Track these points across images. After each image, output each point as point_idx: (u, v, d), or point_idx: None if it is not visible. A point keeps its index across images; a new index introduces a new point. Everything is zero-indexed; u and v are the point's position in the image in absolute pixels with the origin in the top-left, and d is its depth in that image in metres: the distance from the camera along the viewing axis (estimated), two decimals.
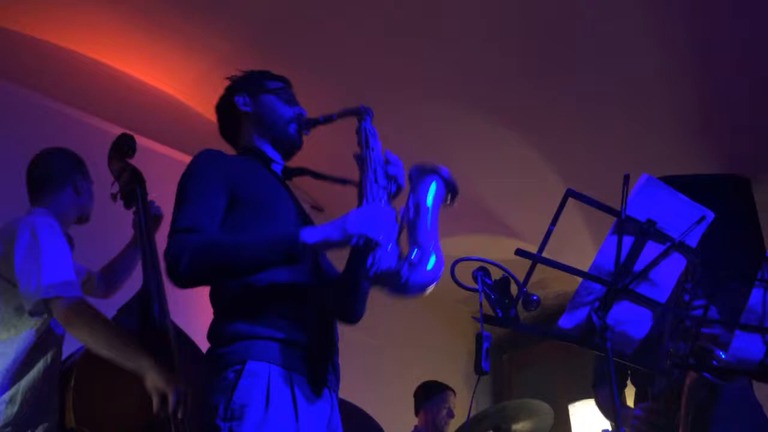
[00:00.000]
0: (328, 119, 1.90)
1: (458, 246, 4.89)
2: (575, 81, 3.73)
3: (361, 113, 1.87)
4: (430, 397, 3.98)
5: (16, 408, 2.10)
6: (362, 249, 1.60)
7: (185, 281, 1.59)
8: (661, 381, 2.13)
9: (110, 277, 2.64)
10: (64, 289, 2.11)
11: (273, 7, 3.72)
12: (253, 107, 1.95)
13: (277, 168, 1.95)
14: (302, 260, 1.63)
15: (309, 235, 1.58)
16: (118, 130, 2.79)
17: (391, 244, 1.62)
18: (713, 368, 1.86)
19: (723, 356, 1.84)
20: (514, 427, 3.33)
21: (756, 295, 1.88)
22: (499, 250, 4.42)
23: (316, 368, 1.69)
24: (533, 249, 1.64)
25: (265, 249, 1.59)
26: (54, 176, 2.40)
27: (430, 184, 1.78)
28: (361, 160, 1.79)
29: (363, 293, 1.89)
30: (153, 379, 2.01)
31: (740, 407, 2.20)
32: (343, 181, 1.92)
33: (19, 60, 3.78)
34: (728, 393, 2.15)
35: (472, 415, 3.27)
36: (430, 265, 1.63)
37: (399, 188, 1.79)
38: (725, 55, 3.43)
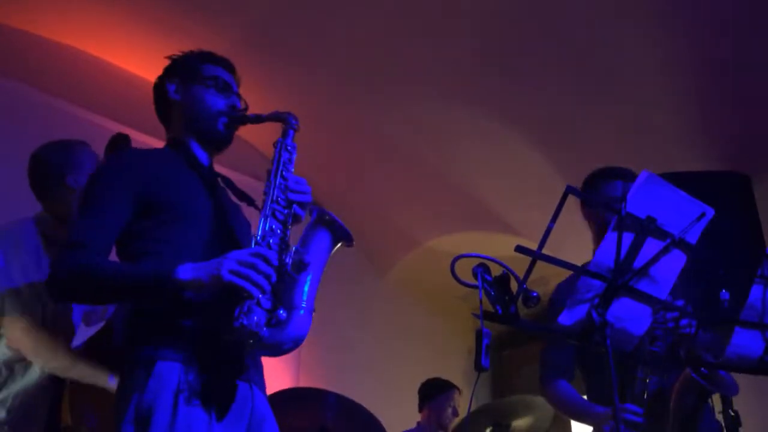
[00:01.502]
0: (257, 119, 1.82)
1: (458, 243, 4.89)
2: (576, 79, 3.73)
3: (287, 124, 1.80)
4: (435, 394, 3.99)
5: (3, 413, 2.11)
6: (232, 296, 1.53)
7: (59, 296, 1.64)
8: (641, 382, 2.12)
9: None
10: (12, 310, 2.11)
11: (272, 4, 3.72)
12: (183, 96, 1.87)
13: (206, 162, 1.87)
14: (214, 248, 1.63)
15: (184, 273, 1.53)
16: (116, 126, 2.79)
17: (262, 297, 1.55)
18: (708, 367, 1.86)
19: (712, 360, 1.85)
20: (514, 423, 3.33)
21: (756, 292, 1.88)
22: (499, 247, 4.40)
23: (231, 365, 1.63)
24: (533, 246, 1.63)
25: (137, 282, 1.56)
26: (43, 177, 2.37)
27: (322, 238, 1.72)
28: (267, 185, 1.71)
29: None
30: (112, 390, 2.03)
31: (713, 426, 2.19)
32: (249, 202, 1.87)
33: (17, 57, 3.77)
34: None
35: (472, 411, 3.27)
36: (294, 327, 1.59)
37: (298, 217, 1.73)
38: (726, 52, 3.42)
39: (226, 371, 1.60)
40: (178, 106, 1.88)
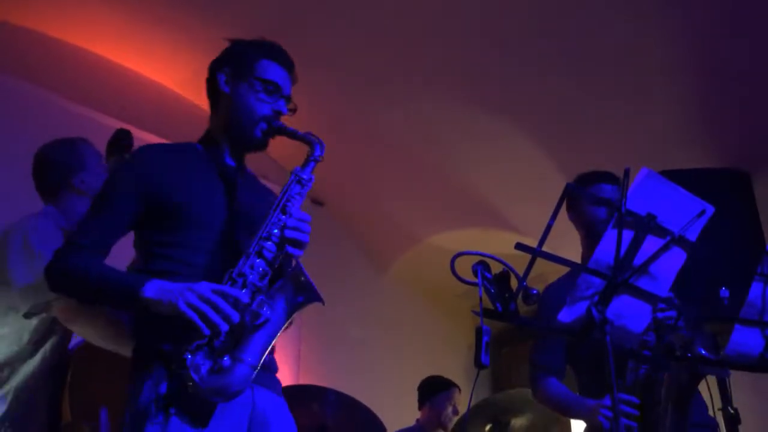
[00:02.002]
0: (292, 134, 1.78)
1: (458, 240, 4.89)
2: (576, 76, 3.72)
3: (310, 150, 1.75)
4: (436, 392, 3.98)
5: (5, 407, 2.11)
6: (183, 328, 1.50)
7: (51, 289, 1.67)
8: (632, 373, 2.13)
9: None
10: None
11: (273, 3, 3.71)
12: (232, 90, 1.81)
13: (233, 163, 1.82)
14: (220, 261, 1.62)
15: (151, 290, 1.54)
16: (116, 123, 2.79)
17: (216, 340, 1.51)
18: (704, 360, 1.86)
19: (705, 354, 1.85)
20: (513, 419, 3.33)
21: (756, 289, 1.88)
22: (499, 244, 4.42)
23: None
24: (533, 243, 1.64)
25: (111, 291, 1.58)
26: (49, 179, 2.37)
27: (290, 296, 1.60)
28: (264, 220, 1.65)
29: None
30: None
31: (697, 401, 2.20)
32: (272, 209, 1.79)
33: (16, 53, 3.77)
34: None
35: (471, 407, 3.27)
36: (232, 378, 1.50)
37: (289, 257, 1.64)
38: (727, 49, 3.42)
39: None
40: (225, 98, 1.83)
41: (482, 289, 1.62)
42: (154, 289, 1.54)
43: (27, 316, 2.15)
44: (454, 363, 5.37)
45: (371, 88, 3.90)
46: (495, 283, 1.63)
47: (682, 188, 1.75)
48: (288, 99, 1.84)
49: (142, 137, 3.62)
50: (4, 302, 2.17)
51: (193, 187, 1.72)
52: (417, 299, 5.48)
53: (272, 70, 1.82)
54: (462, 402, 4.00)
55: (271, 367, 1.73)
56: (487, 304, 1.61)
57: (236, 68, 1.83)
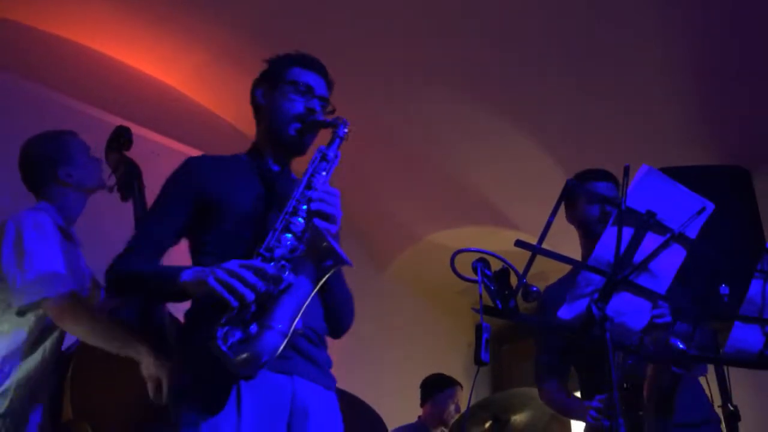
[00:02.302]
0: (322, 123, 1.84)
1: (458, 237, 4.89)
2: (575, 72, 3.72)
3: (334, 130, 1.80)
4: (438, 390, 3.99)
5: (7, 402, 2.10)
6: (213, 308, 1.55)
7: (113, 294, 1.85)
8: (618, 370, 2.13)
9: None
10: (48, 289, 2.09)
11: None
12: (267, 101, 1.90)
13: (276, 168, 1.88)
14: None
15: (186, 274, 1.62)
16: (116, 120, 2.79)
17: (244, 310, 1.55)
18: (680, 358, 1.87)
19: (684, 348, 1.85)
20: (513, 417, 3.34)
21: (755, 286, 1.88)
22: (499, 242, 4.42)
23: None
24: (533, 240, 1.64)
25: (159, 284, 1.69)
26: (35, 174, 2.36)
27: (315, 261, 1.61)
28: (292, 195, 1.71)
29: (333, 310, 1.85)
30: (147, 366, 2.03)
31: (689, 396, 2.20)
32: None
33: (17, 50, 3.77)
34: (687, 381, 2.16)
35: (471, 405, 3.28)
36: (261, 345, 1.52)
37: (316, 229, 1.64)
38: (726, 45, 3.42)
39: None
40: (262, 110, 1.92)
41: (482, 286, 1.62)
42: (189, 273, 1.62)
43: (19, 314, 2.15)
44: (454, 360, 5.37)
45: (371, 86, 3.90)
46: (495, 281, 1.63)
47: (682, 185, 1.75)
48: (322, 99, 1.90)
49: (143, 134, 3.63)
50: (4, 299, 2.17)
51: (236, 188, 1.80)
52: (417, 297, 5.49)
53: (302, 74, 1.90)
54: (462, 398, 4.00)
55: (320, 361, 1.76)
56: (487, 301, 1.61)
57: (270, 81, 1.92)
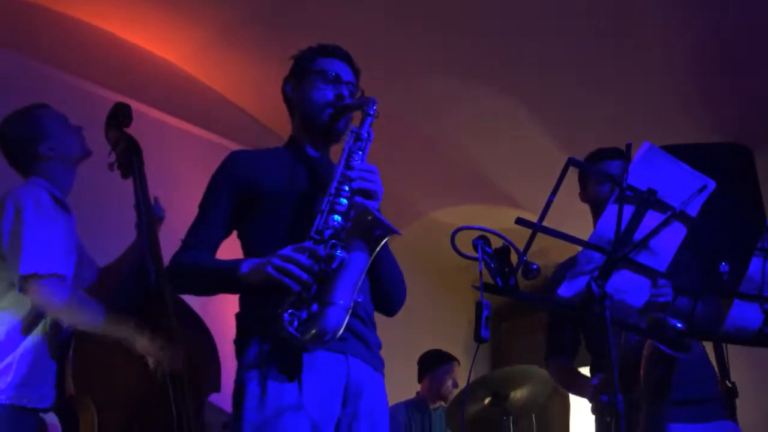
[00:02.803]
0: (353, 105, 1.89)
1: (459, 215, 4.90)
2: (576, 48, 3.69)
3: (363, 109, 1.84)
4: (435, 366, 4.02)
5: (10, 376, 2.12)
6: (280, 289, 1.62)
7: (175, 290, 1.99)
8: (616, 352, 2.14)
9: (112, 285, 2.59)
10: (40, 266, 2.09)
11: None
12: (297, 93, 1.95)
13: (315, 155, 1.94)
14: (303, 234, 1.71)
15: (245, 266, 1.70)
16: (116, 97, 2.77)
17: (305, 292, 1.62)
18: (668, 338, 1.87)
19: (682, 327, 1.85)
20: (513, 393, 3.36)
21: (755, 264, 1.89)
22: (500, 219, 4.42)
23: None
24: (534, 218, 1.64)
25: (216, 278, 1.77)
26: (17, 153, 2.33)
27: (364, 235, 1.68)
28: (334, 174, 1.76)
29: (386, 285, 1.91)
30: (141, 345, 2.08)
31: (690, 374, 2.22)
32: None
33: (18, 27, 3.74)
34: (685, 363, 2.16)
35: (471, 381, 3.30)
36: (326, 322, 1.60)
37: (360, 206, 1.71)
38: (727, 24, 3.39)
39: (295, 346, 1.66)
40: (294, 103, 1.97)
41: (482, 263, 1.63)
42: (248, 265, 1.69)
43: (21, 291, 2.15)
44: (454, 337, 5.40)
45: (373, 63, 3.86)
46: (495, 258, 1.64)
47: (683, 163, 1.74)
48: (350, 84, 1.95)
49: (143, 111, 3.61)
50: (6, 277, 2.18)
51: (279, 176, 1.86)
52: (417, 273, 5.49)
53: (327, 63, 1.94)
54: (462, 375, 4.03)
55: (370, 342, 1.83)
56: (488, 278, 1.61)
57: (297, 74, 1.97)
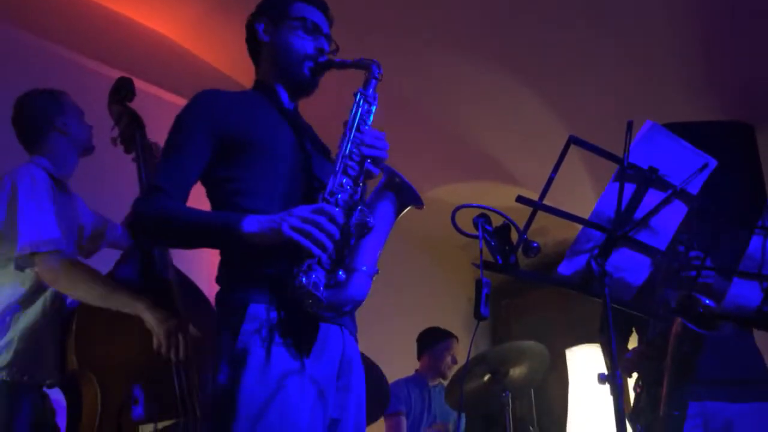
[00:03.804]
0: (341, 64, 1.80)
1: (459, 193, 4.89)
2: (577, 27, 3.66)
3: (369, 72, 1.77)
4: (434, 343, 4.04)
5: (11, 354, 2.13)
6: (293, 252, 1.52)
7: (141, 238, 1.71)
8: (654, 327, 2.16)
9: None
10: (41, 245, 2.11)
11: None
12: (272, 37, 1.83)
13: (290, 106, 1.85)
14: (300, 189, 1.66)
15: (249, 224, 1.54)
16: (116, 73, 2.74)
17: (324, 257, 1.54)
18: (698, 315, 1.87)
19: (712, 305, 1.86)
20: (512, 370, 3.38)
21: (755, 243, 1.89)
22: (500, 197, 4.41)
23: None
24: (534, 196, 1.63)
25: (208, 230, 1.59)
26: (32, 125, 2.36)
27: (389, 201, 1.66)
28: (342, 138, 1.68)
29: None
30: (149, 320, 2.08)
31: (729, 354, 2.23)
32: (325, 155, 1.83)
33: (16, 3, 3.70)
34: (716, 341, 2.17)
35: (470, 358, 3.32)
36: (353, 289, 1.56)
37: (371, 174, 1.69)
38: (730, 1, 3.36)
39: (308, 312, 1.57)
40: (266, 47, 1.85)
41: (483, 241, 1.63)
42: (252, 223, 1.54)
43: (18, 268, 2.17)
44: (454, 315, 5.43)
45: (372, 41, 3.84)
46: (495, 236, 1.64)
47: (685, 141, 1.74)
48: (328, 38, 1.86)
49: (141, 87, 3.57)
50: (4, 253, 2.18)
51: (260, 123, 1.73)
52: (418, 251, 5.51)
53: (307, 10, 1.85)
54: (461, 353, 4.06)
55: (353, 315, 1.78)
56: (488, 256, 1.61)
57: (272, 15, 1.85)
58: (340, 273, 1.55)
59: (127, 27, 4.11)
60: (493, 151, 4.66)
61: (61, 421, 2.27)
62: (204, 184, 1.74)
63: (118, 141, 2.54)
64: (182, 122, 1.71)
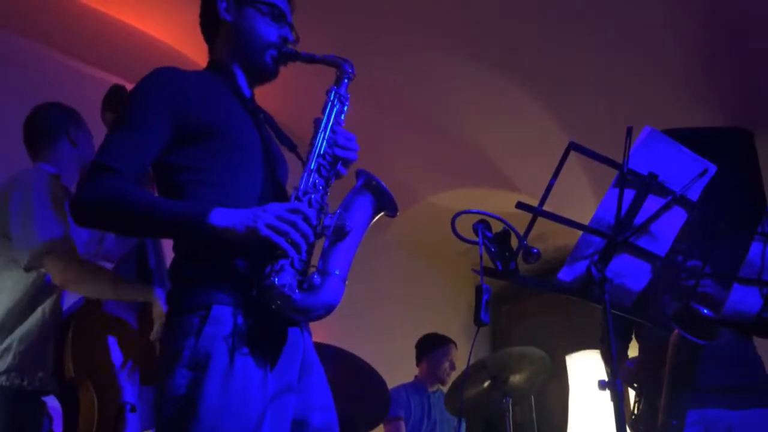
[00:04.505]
0: (308, 58, 1.72)
1: (459, 198, 4.89)
2: (579, 34, 3.67)
3: (340, 71, 1.71)
4: (432, 349, 4.05)
5: (9, 358, 2.13)
6: (265, 251, 1.46)
7: (84, 221, 1.51)
8: (653, 336, 2.16)
9: (123, 240, 2.63)
10: (53, 245, 2.12)
11: None
12: (234, 17, 1.74)
13: (247, 93, 1.77)
14: (268, 194, 1.59)
15: (218, 218, 1.45)
16: (111, 79, 2.75)
17: (297, 258, 1.48)
18: (696, 323, 1.87)
19: (710, 315, 1.86)
20: (512, 376, 3.38)
21: (755, 249, 1.89)
22: (500, 203, 4.42)
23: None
24: (534, 202, 1.63)
25: (170, 219, 1.47)
26: (46, 130, 2.40)
27: (365, 205, 1.61)
28: (314, 136, 1.63)
29: None
30: (158, 306, 2.12)
31: (729, 361, 2.22)
32: (291, 147, 1.77)
33: (13, 8, 3.71)
34: (715, 349, 2.16)
35: (471, 364, 3.31)
36: (326, 294, 1.50)
37: (340, 175, 1.65)
38: (730, 7, 3.36)
39: (275, 316, 1.49)
40: (227, 27, 1.75)
41: (483, 247, 1.63)
42: (221, 216, 1.45)
43: (27, 269, 2.17)
44: (454, 320, 5.41)
45: (370, 44, 3.84)
46: (495, 242, 1.63)
47: (684, 147, 1.74)
48: (291, 27, 1.79)
49: None
50: (7, 255, 2.18)
51: (224, 111, 1.65)
52: (417, 257, 5.51)
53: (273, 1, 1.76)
54: (462, 359, 4.05)
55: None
56: (488, 262, 1.61)
57: None
58: (315, 276, 1.50)
59: (124, 31, 4.11)
60: (492, 157, 4.66)
61: (57, 428, 2.26)
62: (153, 169, 1.61)
63: None
64: (140, 97, 1.58)
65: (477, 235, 1.64)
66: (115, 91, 2.61)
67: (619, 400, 1.59)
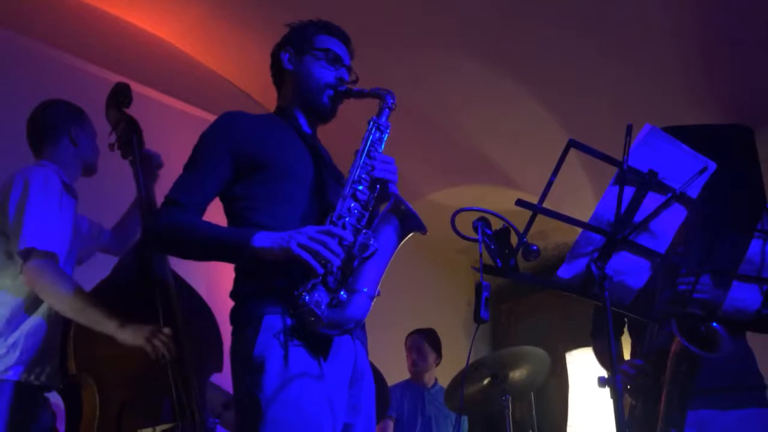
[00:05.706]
0: (359, 93, 1.90)
1: (459, 196, 4.89)
2: (578, 30, 3.67)
3: (382, 101, 1.86)
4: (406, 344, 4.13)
5: (17, 353, 2.13)
6: (300, 268, 1.60)
7: (155, 249, 1.86)
8: (651, 341, 2.16)
9: (122, 235, 2.64)
10: (38, 242, 2.11)
11: None
12: (296, 66, 1.94)
13: (308, 131, 1.93)
14: (315, 220, 1.73)
15: (259, 240, 1.63)
16: (113, 77, 2.75)
17: (330, 278, 1.62)
18: (698, 334, 1.88)
19: (714, 325, 1.86)
20: (512, 373, 3.38)
21: (755, 246, 1.89)
22: (500, 201, 4.42)
23: None
24: (534, 199, 1.63)
25: (219, 244, 1.67)
26: (48, 129, 2.40)
27: (393, 226, 1.73)
28: (353, 164, 1.77)
29: None
30: (122, 339, 2.09)
31: (722, 362, 2.22)
32: (337, 179, 1.89)
33: (14, 6, 3.71)
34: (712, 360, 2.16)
35: (470, 362, 3.32)
36: (353, 309, 1.62)
37: (381, 198, 1.76)
38: (731, 5, 3.36)
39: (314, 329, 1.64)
40: (290, 75, 1.95)
41: (482, 245, 1.63)
42: (262, 238, 1.63)
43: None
44: (454, 318, 5.42)
45: (370, 42, 3.83)
46: (495, 240, 1.64)
47: (684, 145, 1.74)
48: (349, 69, 1.96)
49: (139, 91, 3.59)
50: (6, 254, 2.19)
51: (281, 145, 1.82)
52: (418, 255, 5.51)
53: (329, 42, 1.95)
54: (462, 356, 4.06)
55: (365, 327, 1.84)
56: (487, 260, 1.61)
57: (298, 45, 1.95)
58: (342, 293, 1.62)
59: (126, 31, 4.11)
60: (492, 154, 4.66)
61: (60, 425, 2.27)
62: (222, 200, 1.83)
63: (115, 146, 2.56)
64: (204, 141, 1.81)
65: (477, 232, 1.65)
66: (120, 88, 2.62)
67: (619, 398, 1.59)
